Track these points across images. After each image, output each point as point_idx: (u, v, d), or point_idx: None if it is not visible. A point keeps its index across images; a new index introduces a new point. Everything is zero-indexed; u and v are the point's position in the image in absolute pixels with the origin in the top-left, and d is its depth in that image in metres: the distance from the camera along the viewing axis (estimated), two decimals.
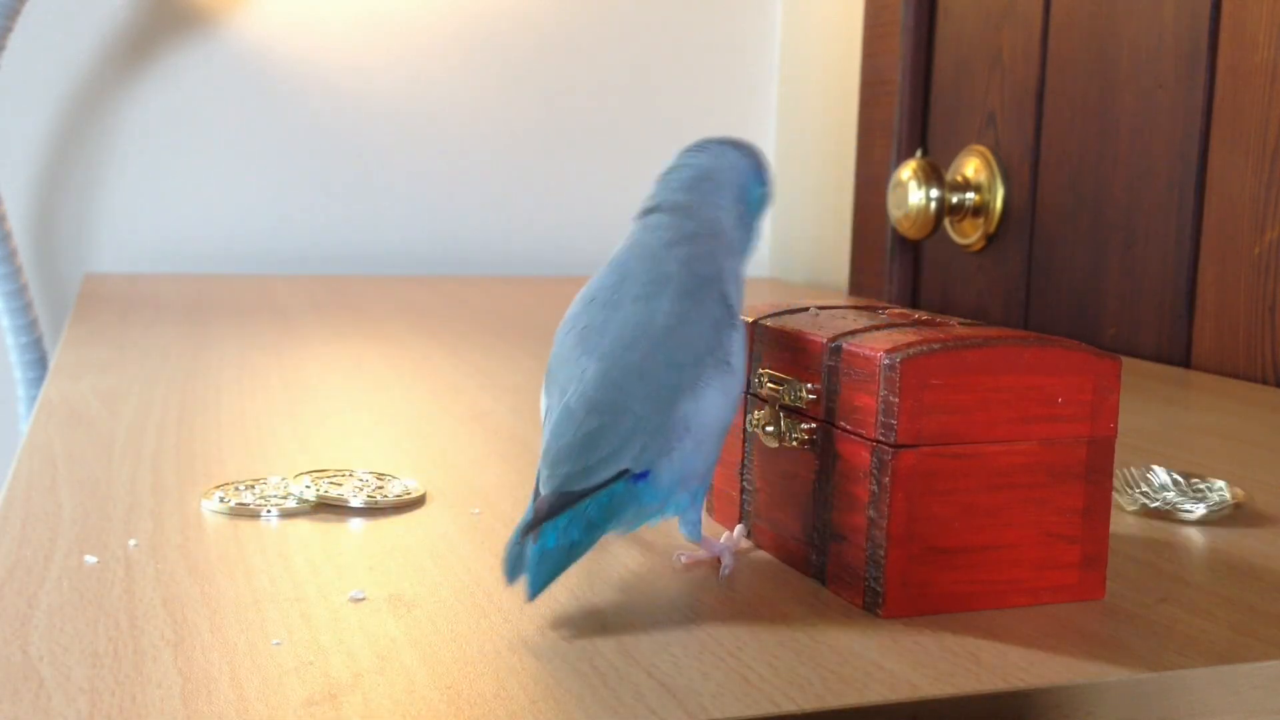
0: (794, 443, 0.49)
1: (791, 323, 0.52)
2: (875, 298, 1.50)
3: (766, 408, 0.51)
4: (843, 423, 0.47)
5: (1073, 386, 0.46)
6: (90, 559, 0.49)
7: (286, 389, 0.84)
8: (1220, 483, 0.62)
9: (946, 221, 1.37)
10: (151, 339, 1.02)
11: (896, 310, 0.53)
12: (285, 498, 0.57)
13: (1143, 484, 0.62)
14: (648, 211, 0.51)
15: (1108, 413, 0.47)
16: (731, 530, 0.53)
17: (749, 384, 0.53)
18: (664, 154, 1.98)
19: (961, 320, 0.51)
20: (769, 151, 1.79)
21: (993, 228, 1.32)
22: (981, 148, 1.35)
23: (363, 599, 0.45)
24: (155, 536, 0.52)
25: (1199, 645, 0.43)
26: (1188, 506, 0.59)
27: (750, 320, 0.53)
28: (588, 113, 1.70)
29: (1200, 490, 0.61)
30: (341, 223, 1.62)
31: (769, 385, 0.51)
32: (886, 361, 0.45)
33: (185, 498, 0.58)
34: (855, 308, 0.54)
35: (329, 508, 0.57)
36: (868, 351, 0.46)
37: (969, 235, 1.35)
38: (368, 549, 0.51)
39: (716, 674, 0.40)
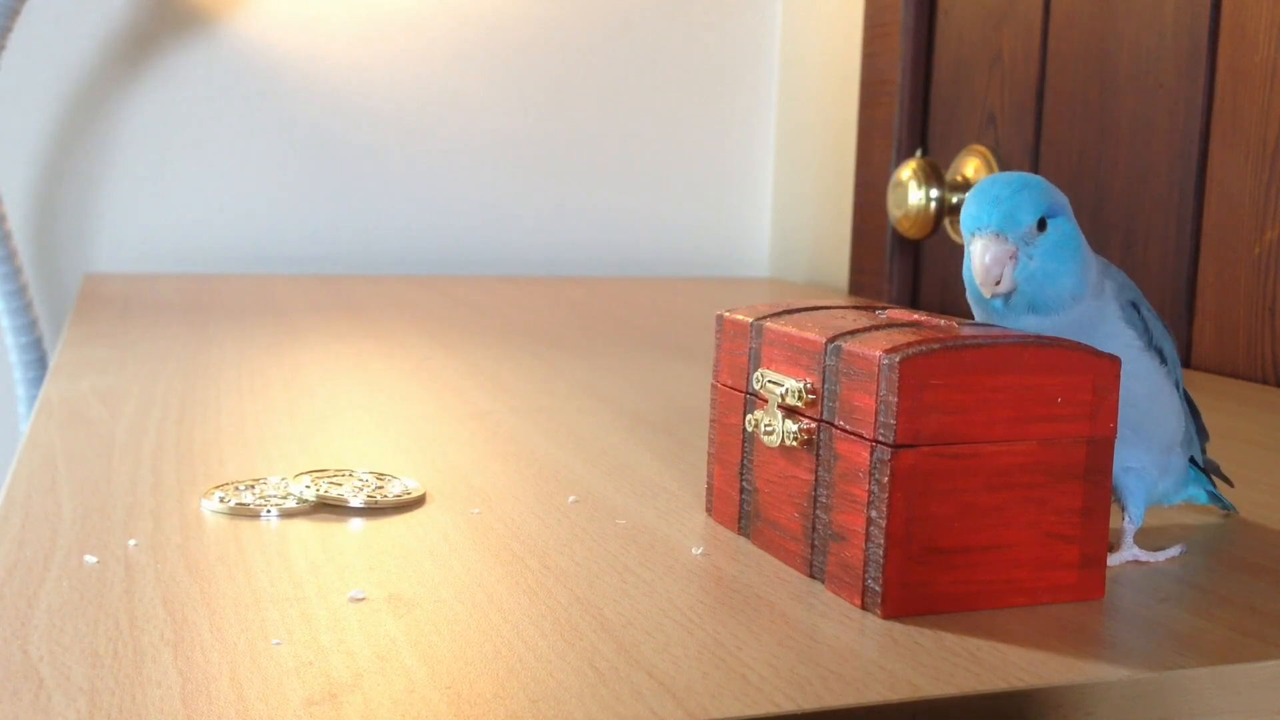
0: (793, 443, 0.49)
1: (791, 323, 0.52)
2: (875, 298, 1.50)
3: (766, 407, 0.51)
4: (842, 422, 0.47)
5: (1072, 386, 0.46)
6: (90, 559, 0.49)
7: (286, 389, 0.84)
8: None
9: (946, 221, 1.37)
10: (151, 339, 1.02)
11: (896, 310, 0.53)
12: (285, 498, 0.57)
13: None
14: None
15: (1107, 412, 0.47)
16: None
17: (749, 384, 0.53)
18: (664, 154, 1.98)
19: (961, 320, 0.51)
20: (769, 151, 1.79)
21: None
22: (981, 148, 1.35)
23: (363, 599, 0.45)
24: (155, 536, 0.52)
25: (1199, 645, 0.43)
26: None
27: (750, 320, 0.53)
28: (587, 112, 1.70)
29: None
30: (341, 223, 1.62)
31: (768, 385, 0.51)
32: (886, 361, 0.45)
33: (185, 498, 0.58)
34: (855, 308, 0.54)
35: (329, 508, 0.57)
36: (867, 351, 0.46)
37: None
38: (368, 549, 0.51)
39: (716, 674, 0.40)
